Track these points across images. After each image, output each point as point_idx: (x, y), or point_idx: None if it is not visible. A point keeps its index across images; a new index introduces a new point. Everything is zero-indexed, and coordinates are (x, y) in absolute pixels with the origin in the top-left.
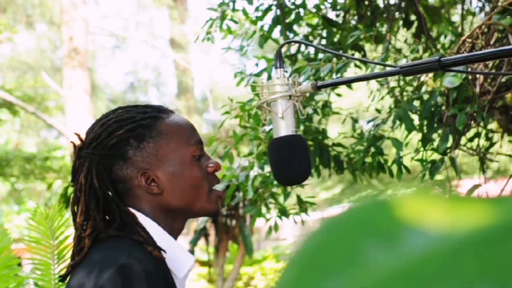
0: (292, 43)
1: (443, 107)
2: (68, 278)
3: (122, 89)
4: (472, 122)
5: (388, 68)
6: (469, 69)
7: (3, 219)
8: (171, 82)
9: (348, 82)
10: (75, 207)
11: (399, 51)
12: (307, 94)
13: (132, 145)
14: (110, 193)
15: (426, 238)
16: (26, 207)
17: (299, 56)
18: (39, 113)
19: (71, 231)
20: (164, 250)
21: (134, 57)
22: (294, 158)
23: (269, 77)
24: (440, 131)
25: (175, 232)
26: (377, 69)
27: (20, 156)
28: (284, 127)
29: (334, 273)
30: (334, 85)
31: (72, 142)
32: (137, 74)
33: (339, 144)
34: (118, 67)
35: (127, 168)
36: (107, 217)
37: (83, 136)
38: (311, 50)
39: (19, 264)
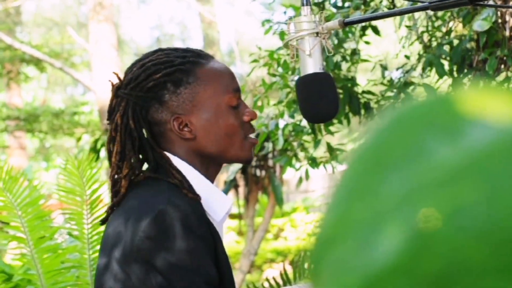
0: None
1: (473, 52)
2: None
3: (148, 44)
4: (502, 66)
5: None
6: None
7: (32, 175)
8: (197, 35)
9: (376, 18)
10: (111, 146)
11: None
12: (336, 41)
13: (169, 89)
14: (145, 135)
15: (488, 131)
16: (54, 164)
17: (327, 5)
18: (66, 68)
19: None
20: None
21: (159, 11)
22: (321, 96)
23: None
24: (470, 76)
25: (211, 176)
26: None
27: (49, 111)
28: (312, 65)
29: (397, 168)
30: (362, 22)
31: (110, 81)
32: (163, 28)
33: (368, 92)
34: (143, 22)
35: (162, 111)
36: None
37: (122, 76)
38: None
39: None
